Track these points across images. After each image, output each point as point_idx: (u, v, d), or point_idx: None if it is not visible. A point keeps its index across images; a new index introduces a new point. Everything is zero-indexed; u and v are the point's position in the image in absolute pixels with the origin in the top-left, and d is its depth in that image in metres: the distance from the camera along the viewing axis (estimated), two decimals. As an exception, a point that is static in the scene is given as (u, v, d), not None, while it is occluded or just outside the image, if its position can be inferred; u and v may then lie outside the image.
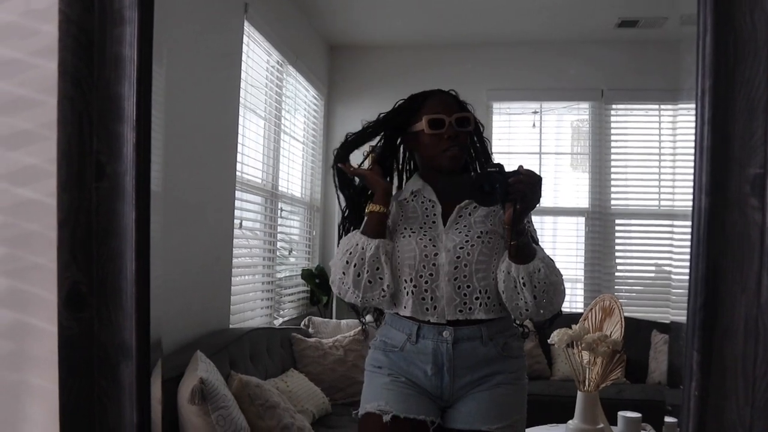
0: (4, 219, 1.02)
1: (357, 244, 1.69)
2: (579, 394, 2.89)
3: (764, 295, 0.80)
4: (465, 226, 1.74)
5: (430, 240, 1.73)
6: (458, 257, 1.69)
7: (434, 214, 1.78)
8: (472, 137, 1.82)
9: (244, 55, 3.55)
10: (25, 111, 0.99)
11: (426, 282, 1.69)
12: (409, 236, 1.74)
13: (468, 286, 1.69)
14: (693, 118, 0.83)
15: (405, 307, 1.72)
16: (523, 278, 1.62)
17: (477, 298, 1.69)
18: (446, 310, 1.68)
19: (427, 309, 1.70)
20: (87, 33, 0.90)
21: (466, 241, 1.71)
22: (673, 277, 4.74)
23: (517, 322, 1.81)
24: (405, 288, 1.71)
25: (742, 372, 0.80)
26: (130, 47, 0.90)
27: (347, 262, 1.69)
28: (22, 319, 1.02)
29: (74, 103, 0.90)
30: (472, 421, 1.69)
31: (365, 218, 1.74)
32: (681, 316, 0.87)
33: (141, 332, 0.91)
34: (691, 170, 0.84)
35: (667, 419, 2.97)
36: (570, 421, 2.86)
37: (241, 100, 3.54)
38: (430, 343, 1.70)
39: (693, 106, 0.81)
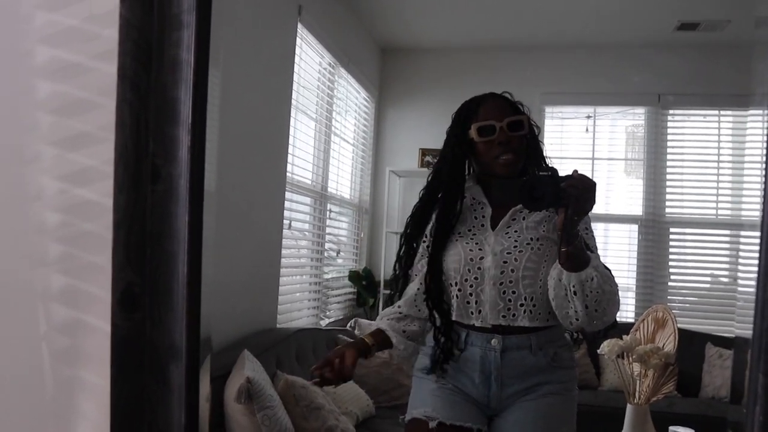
0: (62, 218, 1.04)
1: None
2: (629, 406, 2.82)
3: (836, 317, 0.75)
4: (516, 231, 1.72)
5: (476, 244, 1.72)
6: (505, 262, 1.68)
7: (483, 216, 1.77)
8: (527, 140, 1.78)
9: (296, 57, 3.58)
10: (84, 113, 1.01)
11: (471, 286, 1.69)
12: (456, 240, 1.74)
13: (513, 292, 1.67)
14: (762, 125, 0.80)
15: (450, 312, 1.72)
16: (574, 286, 1.58)
17: (522, 305, 1.67)
18: (490, 315, 1.67)
19: (472, 313, 1.70)
20: (146, 37, 0.92)
21: (515, 246, 1.69)
22: (739, 289, 4.59)
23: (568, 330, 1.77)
24: (452, 291, 1.72)
25: (810, 398, 0.76)
26: (187, 51, 0.90)
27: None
28: (78, 317, 1.04)
29: (132, 107, 0.92)
30: (518, 430, 1.67)
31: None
32: (745, 330, 0.83)
33: (191, 334, 0.91)
34: (760, 178, 0.80)
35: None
36: (619, 435, 2.80)
37: (293, 102, 3.57)
38: (478, 351, 1.69)
39: (760, 111, 0.77)
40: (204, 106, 0.91)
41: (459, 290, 1.70)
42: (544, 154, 1.85)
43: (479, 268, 1.69)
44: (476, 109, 1.77)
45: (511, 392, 1.69)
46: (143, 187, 0.93)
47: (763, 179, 0.79)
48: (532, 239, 1.70)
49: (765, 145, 0.79)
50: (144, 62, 0.92)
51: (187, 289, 0.91)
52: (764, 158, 0.79)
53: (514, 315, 1.67)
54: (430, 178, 1.86)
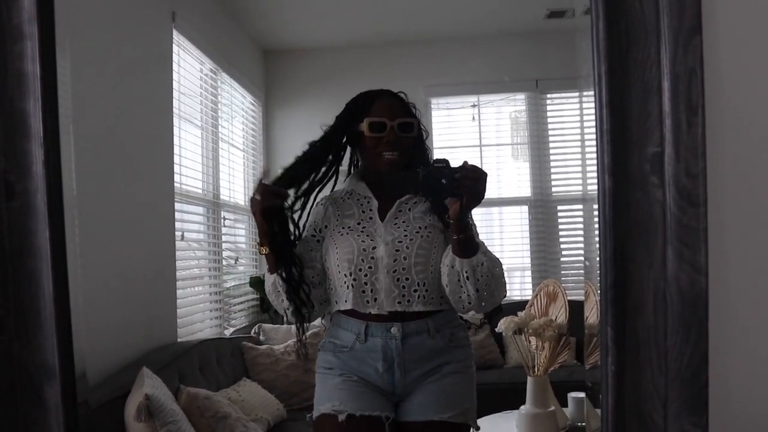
0: None
1: (266, 282, 1.82)
2: (529, 379, 2.94)
3: (670, 270, 0.83)
4: (404, 221, 1.78)
5: (367, 235, 1.76)
6: (397, 250, 1.73)
7: (370, 210, 1.81)
8: (414, 142, 1.83)
9: (174, 64, 3.50)
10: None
11: (365, 275, 1.72)
12: (347, 234, 1.78)
13: (407, 279, 1.72)
14: (593, 104, 0.86)
15: (346, 301, 1.74)
16: (466, 272, 1.65)
17: (415, 291, 1.72)
18: (385, 302, 1.71)
19: (368, 301, 1.72)
20: (-14, 50, 0.88)
21: (405, 235, 1.74)
22: (585, 262, 4.87)
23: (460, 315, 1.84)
24: (345, 282, 1.74)
25: (655, 343, 0.83)
26: (32, 62, 0.88)
27: (271, 299, 1.83)
28: (-59, 348, 0.99)
29: (-23, 123, 0.88)
30: (424, 412, 1.72)
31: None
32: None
33: (63, 351, 0.89)
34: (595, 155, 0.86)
35: (571, 395, 3.07)
36: (522, 407, 2.92)
37: (175, 110, 3.48)
38: (379, 341, 1.72)
39: (592, 92, 0.84)
40: (56, 118, 0.89)
41: (354, 280, 1.72)
42: (430, 157, 1.91)
43: (372, 258, 1.72)
44: (371, 104, 1.81)
45: (414, 376, 1.73)
46: (-3, 205, 0.89)
47: (596, 153, 0.85)
48: (420, 228, 1.76)
49: (595, 121, 0.85)
50: (-14, 76, 0.88)
51: (55, 305, 0.89)
52: (596, 133, 0.86)
53: (409, 301, 1.72)
54: (309, 148, 1.86)
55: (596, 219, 0.86)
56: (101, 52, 2.59)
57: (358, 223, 1.80)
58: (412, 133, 1.80)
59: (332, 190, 1.92)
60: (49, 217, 0.88)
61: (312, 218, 1.88)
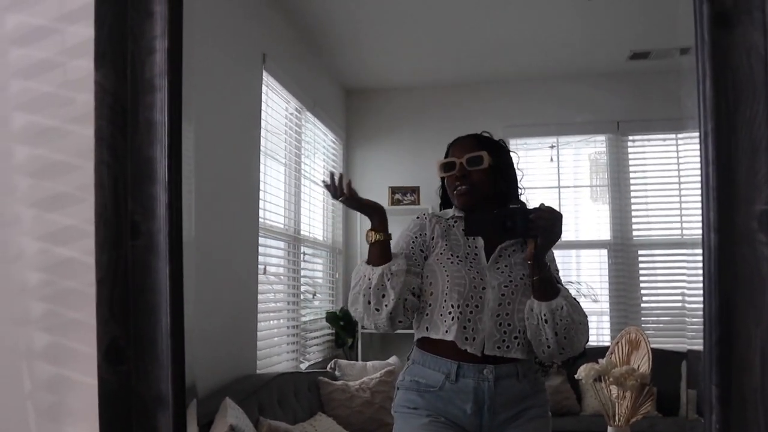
0: (44, 277, 1.07)
1: (364, 276, 1.75)
2: (609, 429, 2.87)
3: (778, 328, 0.82)
4: (506, 266, 1.80)
5: (477, 273, 1.77)
6: (503, 295, 1.74)
7: (476, 247, 1.83)
8: (494, 172, 1.86)
9: (263, 104, 3.65)
10: (63, 175, 1.05)
11: (471, 312, 1.73)
12: (459, 263, 1.78)
13: (509, 325, 1.73)
14: (696, 146, 0.87)
15: (447, 332, 1.72)
16: (545, 315, 1.66)
17: (516, 338, 1.73)
18: (486, 344, 1.71)
19: (467, 338, 1.72)
20: (121, 101, 0.97)
21: (510, 281, 1.76)
22: (687, 306, 4.70)
23: (538, 360, 1.84)
24: (450, 313, 1.73)
25: (762, 402, 0.82)
26: (160, 113, 0.95)
27: (357, 293, 1.75)
28: (62, 373, 1.06)
29: (110, 168, 0.96)
30: None
31: (369, 248, 1.78)
32: (696, 345, 0.89)
33: (176, 382, 0.94)
34: (698, 200, 0.86)
35: None
36: (602, 457, 2.84)
37: (262, 148, 3.62)
38: (471, 382, 1.72)
39: (696, 134, 0.85)
40: (179, 164, 0.96)
41: (460, 313, 1.71)
42: (519, 182, 1.94)
43: (481, 297, 1.74)
44: (447, 150, 1.92)
45: (502, 419, 1.73)
46: (124, 244, 0.96)
47: (701, 209, 0.85)
48: (524, 275, 1.77)
49: (700, 177, 0.86)
50: (119, 125, 0.96)
51: (171, 339, 0.95)
52: (701, 189, 0.86)
53: (508, 347, 1.72)
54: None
55: (699, 270, 0.85)
56: (201, 94, 2.74)
57: (467, 256, 1.81)
58: (482, 165, 1.82)
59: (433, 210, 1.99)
60: (169, 255, 0.94)
61: (418, 230, 1.88)
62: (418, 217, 1.91)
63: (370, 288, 1.72)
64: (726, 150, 0.82)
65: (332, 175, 1.75)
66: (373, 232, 1.75)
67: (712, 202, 0.82)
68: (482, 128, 1.96)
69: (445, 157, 1.90)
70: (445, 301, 1.74)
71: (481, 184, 1.83)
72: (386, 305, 1.71)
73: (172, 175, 0.94)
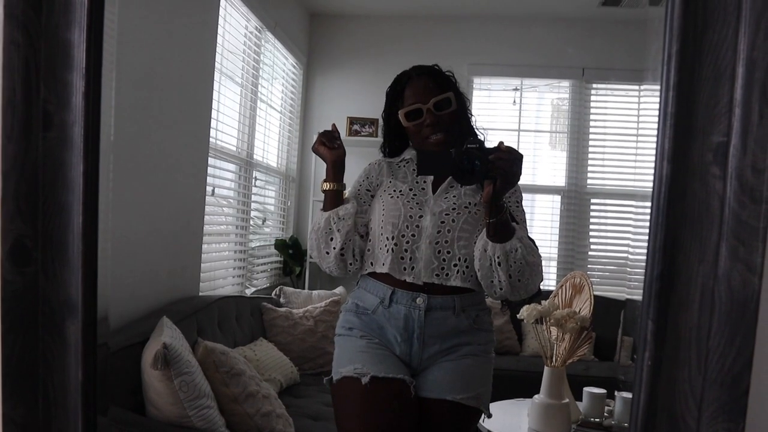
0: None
1: (317, 222, 1.79)
2: (546, 368, 2.91)
3: (722, 267, 0.78)
4: (455, 195, 1.77)
5: (417, 203, 1.75)
6: (442, 222, 1.71)
7: (424, 181, 1.81)
8: (457, 116, 1.81)
9: (221, 18, 3.48)
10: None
11: (407, 242, 1.71)
12: (397, 197, 1.77)
13: (448, 252, 1.70)
14: (653, 101, 0.81)
15: (383, 264, 1.73)
16: (498, 257, 1.62)
17: (455, 265, 1.70)
18: (423, 272, 1.69)
19: (405, 268, 1.71)
20: (35, -26, 0.86)
21: (453, 209, 1.73)
22: (630, 256, 4.80)
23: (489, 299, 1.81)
24: (386, 245, 1.73)
25: (696, 343, 0.79)
26: (80, -9, 0.85)
27: (312, 239, 1.80)
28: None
29: (20, 48, 0.86)
30: (438, 390, 1.70)
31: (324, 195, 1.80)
32: (637, 296, 0.86)
33: (87, 289, 0.88)
34: (652, 154, 0.82)
35: (618, 394, 3.03)
36: (536, 396, 2.89)
37: (218, 66, 3.47)
38: (402, 309, 1.71)
39: (656, 87, 0.79)
40: (100, 49, 0.86)
41: (395, 245, 1.71)
42: (474, 126, 1.87)
43: (417, 226, 1.72)
44: (402, 92, 1.81)
45: (431, 352, 1.72)
46: (34, 135, 0.88)
47: (656, 137, 0.81)
48: (470, 203, 1.74)
49: (659, 103, 0.81)
50: (33, 2, 0.86)
51: (83, 241, 0.88)
52: (659, 116, 0.81)
53: (447, 275, 1.70)
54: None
55: (645, 222, 0.81)
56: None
57: (410, 189, 1.79)
58: (451, 108, 1.77)
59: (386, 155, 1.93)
60: (84, 150, 0.86)
61: (366, 173, 1.90)
62: (369, 164, 1.92)
63: (319, 230, 1.76)
64: (689, 75, 0.77)
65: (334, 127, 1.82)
66: (327, 183, 1.77)
67: (668, 129, 0.77)
68: (447, 65, 1.88)
69: (399, 97, 1.81)
70: (381, 234, 1.75)
71: (452, 128, 1.78)
72: (334, 248, 1.74)
73: (90, 61, 0.85)
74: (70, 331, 0.89)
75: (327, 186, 1.77)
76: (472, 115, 1.90)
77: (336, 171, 1.77)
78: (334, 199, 1.77)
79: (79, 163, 0.86)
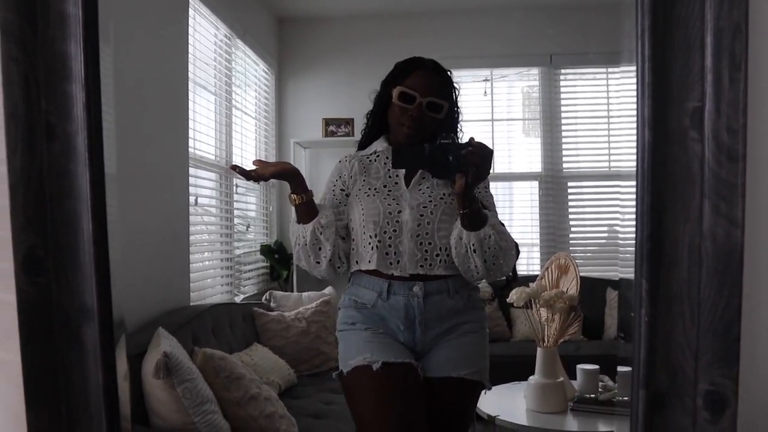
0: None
1: (299, 235, 1.80)
2: (539, 350, 2.97)
3: (706, 224, 0.84)
4: (428, 187, 1.83)
5: (393, 199, 1.81)
6: (421, 215, 1.77)
7: (396, 175, 1.86)
8: (440, 125, 1.84)
9: (191, 28, 3.49)
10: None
11: (390, 237, 1.77)
12: (374, 195, 1.82)
13: (429, 243, 1.77)
14: (631, 82, 0.87)
15: (369, 261, 1.79)
16: (473, 244, 1.70)
17: (437, 255, 1.76)
18: (408, 265, 1.76)
19: (391, 263, 1.77)
20: (28, -8, 0.89)
21: (430, 201, 1.79)
22: (620, 236, 4.88)
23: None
24: (370, 243, 1.78)
25: (688, 297, 0.85)
26: (74, 5, 0.88)
27: (298, 252, 1.82)
28: (-23, 291, 1.00)
29: (19, 64, 0.89)
30: (443, 368, 1.78)
31: (294, 209, 1.80)
32: (629, 274, 0.91)
33: (102, 293, 0.90)
34: (633, 133, 0.87)
35: (620, 368, 3.09)
36: (531, 377, 2.95)
37: (191, 76, 3.48)
38: (401, 299, 1.77)
39: (633, 68, 0.84)
40: (97, 60, 0.89)
41: (379, 241, 1.77)
42: (459, 131, 1.92)
43: (398, 221, 1.78)
44: (408, 73, 1.83)
45: (434, 334, 1.79)
46: (38, 147, 0.90)
47: (636, 107, 0.86)
48: (444, 194, 1.81)
49: (636, 75, 0.85)
50: (28, 18, 0.89)
51: (94, 247, 0.90)
52: (637, 87, 0.86)
53: (431, 264, 1.77)
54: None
55: (632, 200, 0.86)
56: (120, 13, 2.58)
57: (384, 186, 1.84)
58: (440, 115, 1.82)
59: (357, 150, 1.96)
60: (89, 158, 0.89)
61: (338, 172, 1.92)
62: (340, 161, 1.95)
63: (306, 245, 1.78)
64: (661, 47, 0.82)
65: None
66: (295, 195, 1.77)
67: (647, 99, 0.82)
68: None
69: (403, 80, 1.82)
70: (364, 233, 1.79)
71: (428, 130, 1.83)
72: (325, 257, 1.78)
73: (89, 72, 0.88)
74: (87, 337, 0.92)
75: (296, 199, 1.76)
76: (461, 124, 1.94)
77: (296, 182, 1.76)
78: (307, 209, 1.77)
79: (85, 172, 0.89)
